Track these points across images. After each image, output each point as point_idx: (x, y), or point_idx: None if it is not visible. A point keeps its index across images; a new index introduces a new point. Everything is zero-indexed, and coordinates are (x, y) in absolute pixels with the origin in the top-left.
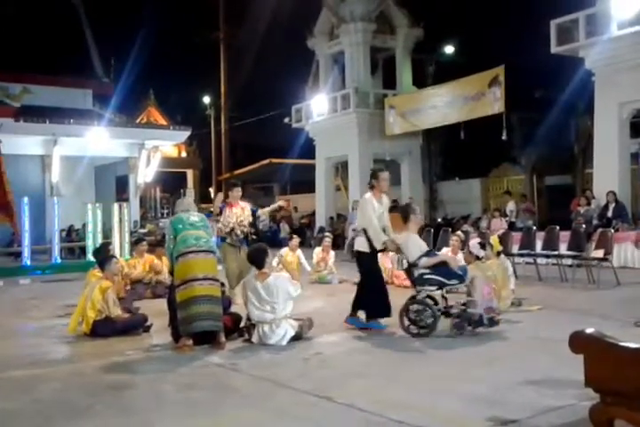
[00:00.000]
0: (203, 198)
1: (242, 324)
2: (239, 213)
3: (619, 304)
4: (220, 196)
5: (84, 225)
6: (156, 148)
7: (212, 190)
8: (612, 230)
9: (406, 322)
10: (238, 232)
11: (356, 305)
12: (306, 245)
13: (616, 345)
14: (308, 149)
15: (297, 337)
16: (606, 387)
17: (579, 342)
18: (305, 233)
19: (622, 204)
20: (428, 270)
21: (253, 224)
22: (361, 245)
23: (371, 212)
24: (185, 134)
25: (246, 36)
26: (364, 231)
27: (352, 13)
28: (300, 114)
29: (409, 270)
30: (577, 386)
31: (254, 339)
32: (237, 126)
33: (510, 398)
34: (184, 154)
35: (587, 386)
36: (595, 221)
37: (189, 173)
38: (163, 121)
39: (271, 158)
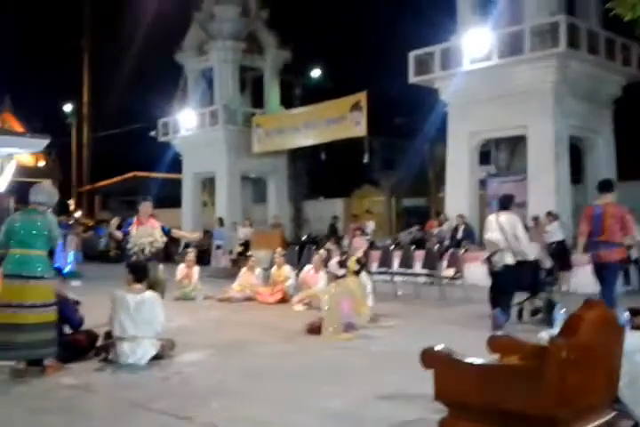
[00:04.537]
0: (61, 211)
1: (99, 342)
2: (150, 231)
3: (468, 320)
4: (116, 221)
5: None
6: (10, 155)
7: (71, 202)
8: (462, 251)
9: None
10: (147, 252)
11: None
12: (170, 260)
13: (461, 361)
14: (175, 164)
15: (158, 357)
16: (453, 400)
17: (429, 357)
18: (169, 248)
19: (471, 226)
20: None
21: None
22: (509, 259)
23: (524, 230)
24: (43, 143)
25: (114, 45)
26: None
27: (221, 31)
28: (167, 128)
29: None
30: (428, 400)
31: (112, 358)
32: (101, 137)
33: (364, 413)
34: (42, 163)
35: (436, 400)
36: (446, 242)
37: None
38: (20, 128)
39: (136, 172)
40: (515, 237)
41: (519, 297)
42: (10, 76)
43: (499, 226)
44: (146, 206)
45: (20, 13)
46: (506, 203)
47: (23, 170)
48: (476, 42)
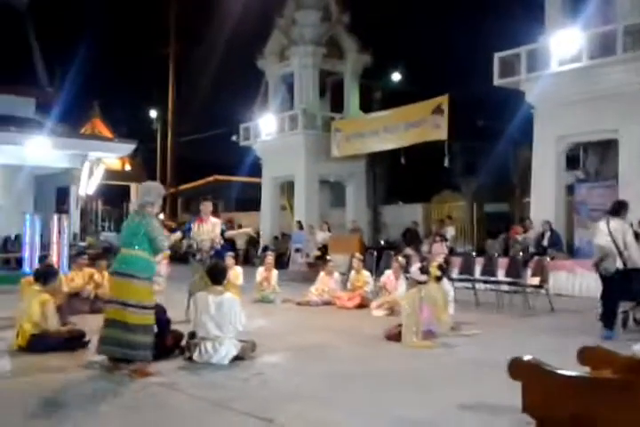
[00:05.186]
0: None
1: (183, 341)
2: (210, 229)
3: (554, 330)
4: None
5: (17, 236)
6: (99, 160)
7: None
8: (548, 259)
9: None
10: (206, 248)
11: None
12: (250, 263)
13: (552, 372)
14: (255, 168)
15: (239, 357)
16: (542, 413)
17: (517, 368)
18: (249, 252)
19: (557, 233)
20: None
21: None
22: (619, 264)
23: (634, 237)
24: (130, 147)
25: (197, 52)
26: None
27: (303, 36)
28: (248, 132)
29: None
30: (512, 411)
31: (196, 357)
32: (184, 142)
33: (445, 423)
34: (128, 167)
35: (524, 412)
36: (531, 249)
37: (133, 187)
38: (108, 133)
39: (217, 175)
40: (625, 243)
41: (624, 306)
42: (98, 83)
43: (609, 232)
44: (206, 206)
45: (108, 21)
46: (618, 209)
47: (110, 173)
48: (564, 43)
